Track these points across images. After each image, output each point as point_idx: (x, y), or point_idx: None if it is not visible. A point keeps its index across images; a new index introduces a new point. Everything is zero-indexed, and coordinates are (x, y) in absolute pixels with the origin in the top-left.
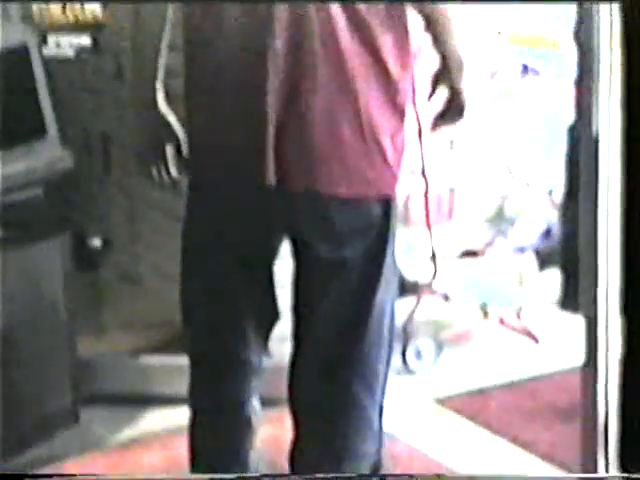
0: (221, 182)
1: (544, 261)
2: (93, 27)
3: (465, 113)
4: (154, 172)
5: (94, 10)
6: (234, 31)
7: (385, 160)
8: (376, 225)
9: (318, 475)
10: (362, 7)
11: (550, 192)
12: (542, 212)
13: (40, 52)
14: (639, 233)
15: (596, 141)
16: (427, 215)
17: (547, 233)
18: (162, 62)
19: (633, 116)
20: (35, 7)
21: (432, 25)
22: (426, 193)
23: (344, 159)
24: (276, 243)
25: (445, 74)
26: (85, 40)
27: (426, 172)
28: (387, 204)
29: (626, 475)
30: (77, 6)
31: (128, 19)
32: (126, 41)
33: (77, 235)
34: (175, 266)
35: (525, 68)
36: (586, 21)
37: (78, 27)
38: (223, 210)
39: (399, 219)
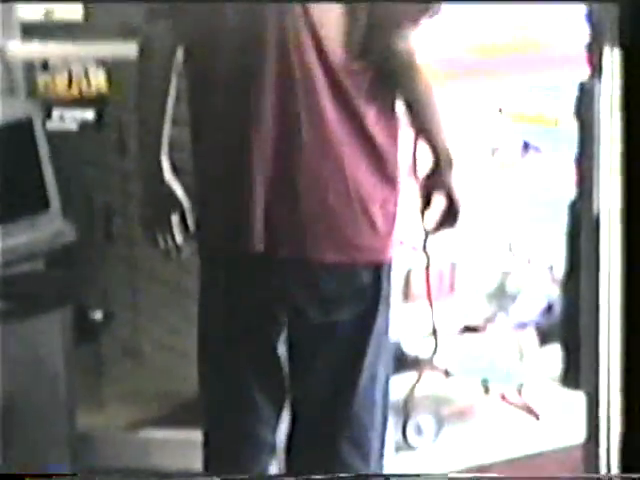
0: (217, 251)
1: (545, 337)
2: (97, 101)
3: (460, 218)
4: (160, 240)
5: (99, 84)
6: (225, 94)
7: (374, 227)
8: (366, 291)
9: (317, 476)
10: (345, 76)
11: (551, 268)
12: (543, 288)
13: (44, 126)
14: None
15: (597, 219)
16: (428, 290)
17: (548, 309)
18: (167, 133)
19: (633, 190)
20: (41, 81)
21: (417, 116)
22: (427, 268)
23: (332, 226)
24: (277, 311)
25: (435, 174)
26: (89, 114)
27: (427, 247)
28: (378, 270)
29: (626, 475)
30: (82, 80)
31: (132, 93)
32: (130, 115)
33: (78, 308)
34: (176, 339)
35: (526, 145)
36: (586, 98)
37: (82, 101)
38: (224, 280)
39: (400, 293)
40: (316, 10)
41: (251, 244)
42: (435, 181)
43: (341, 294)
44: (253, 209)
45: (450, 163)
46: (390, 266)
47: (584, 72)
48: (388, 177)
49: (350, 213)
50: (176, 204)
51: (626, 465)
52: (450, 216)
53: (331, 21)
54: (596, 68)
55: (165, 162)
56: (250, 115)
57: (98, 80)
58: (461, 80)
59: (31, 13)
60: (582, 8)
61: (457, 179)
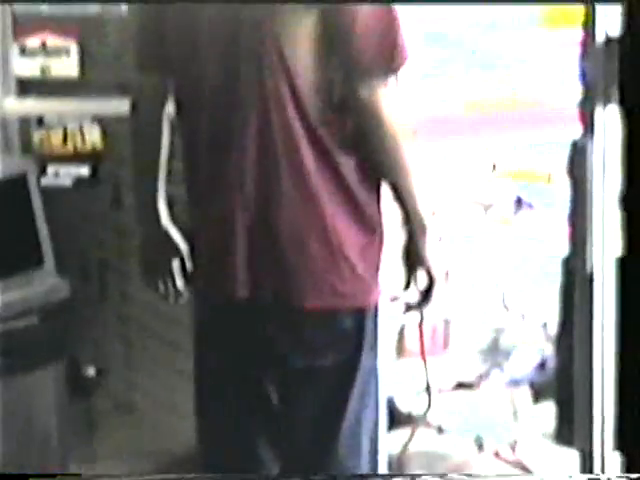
0: (204, 297)
1: (538, 394)
2: (92, 157)
3: (437, 297)
4: (160, 285)
5: (94, 140)
6: (209, 149)
7: (355, 273)
8: (349, 336)
9: (317, 477)
10: (322, 126)
11: (545, 325)
12: (537, 345)
13: (39, 182)
14: (633, 367)
15: (590, 276)
16: (422, 346)
17: (542, 366)
18: (162, 180)
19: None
20: (36, 137)
21: (384, 172)
22: (420, 324)
23: (313, 272)
24: (263, 358)
25: (411, 244)
26: (84, 170)
27: (420, 305)
28: (361, 315)
29: (626, 475)
30: (77, 136)
31: (127, 148)
32: (124, 170)
33: (71, 363)
34: (170, 395)
35: (519, 201)
36: (579, 156)
37: (77, 157)
38: (212, 327)
39: (393, 349)
40: (292, 59)
41: (235, 291)
42: (412, 254)
43: (324, 340)
44: (236, 256)
45: (424, 229)
46: (375, 312)
47: (577, 130)
48: (367, 224)
49: (330, 260)
50: (175, 250)
51: None
52: (429, 295)
53: (307, 70)
54: (588, 126)
55: (162, 209)
56: (233, 167)
57: (93, 136)
58: (455, 137)
59: (27, 70)
60: (575, 66)
61: (434, 249)
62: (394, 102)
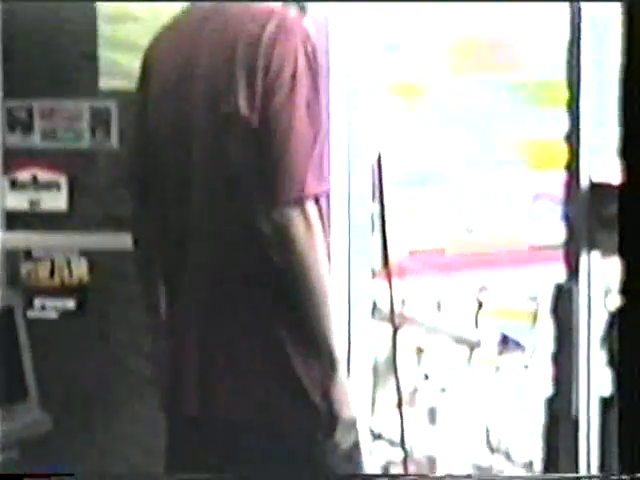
0: (164, 410)
1: None
2: (79, 291)
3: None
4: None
5: (81, 274)
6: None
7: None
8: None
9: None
10: None
11: (530, 463)
12: None
13: (25, 315)
14: None
15: (575, 418)
16: None
17: None
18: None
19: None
20: (24, 270)
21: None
22: (404, 461)
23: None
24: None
25: (324, 379)
26: (70, 303)
27: (405, 443)
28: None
29: (628, 475)
30: (65, 270)
31: (114, 282)
32: (111, 304)
33: None
34: None
35: (505, 340)
36: (563, 299)
37: (64, 290)
38: (170, 441)
39: None
40: None
41: (186, 406)
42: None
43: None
44: (187, 373)
45: (333, 366)
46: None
47: (562, 271)
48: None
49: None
50: None
51: None
52: (332, 433)
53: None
54: (573, 270)
55: None
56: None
57: (80, 270)
58: (441, 274)
59: (16, 203)
60: (558, 208)
61: (344, 386)
62: (310, 230)
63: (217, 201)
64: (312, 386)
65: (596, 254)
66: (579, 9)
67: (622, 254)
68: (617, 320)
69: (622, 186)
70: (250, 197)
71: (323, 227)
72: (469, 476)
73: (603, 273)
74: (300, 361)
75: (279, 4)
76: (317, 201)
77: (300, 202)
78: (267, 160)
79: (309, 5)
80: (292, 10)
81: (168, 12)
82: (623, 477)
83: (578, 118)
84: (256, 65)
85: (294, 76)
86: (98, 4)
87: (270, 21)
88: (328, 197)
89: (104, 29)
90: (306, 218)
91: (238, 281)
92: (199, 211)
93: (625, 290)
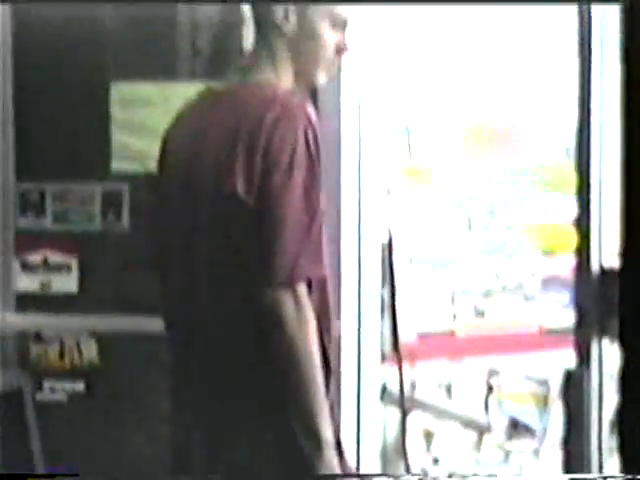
0: None
1: None
2: (88, 373)
3: None
4: None
5: (90, 356)
6: None
7: None
8: None
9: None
10: None
11: None
12: None
13: (34, 397)
14: None
15: None
16: None
17: None
18: None
19: None
20: (33, 352)
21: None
22: None
23: None
24: None
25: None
26: (79, 386)
27: None
28: None
29: (626, 475)
30: (74, 352)
31: (123, 364)
32: (120, 386)
33: None
34: None
35: (515, 424)
36: (573, 385)
37: (73, 372)
38: None
39: None
40: None
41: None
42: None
43: None
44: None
45: (320, 446)
46: None
47: (572, 358)
48: None
49: None
50: None
51: None
52: None
53: None
54: (584, 356)
55: None
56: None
57: (90, 352)
58: (451, 357)
59: (28, 285)
60: (568, 292)
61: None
62: (300, 312)
63: (217, 278)
64: (300, 465)
65: (607, 340)
66: (589, 95)
67: (622, 340)
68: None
69: (622, 271)
70: (246, 275)
71: (323, 310)
72: (468, 476)
73: (614, 359)
74: (289, 440)
75: (284, 89)
76: (310, 285)
77: (291, 284)
78: (262, 241)
79: (320, 92)
80: (297, 95)
81: (180, 96)
82: None
83: (588, 203)
84: (256, 147)
85: (292, 160)
86: (112, 88)
87: (274, 104)
88: (325, 281)
89: (117, 112)
90: (297, 301)
91: (236, 359)
92: (201, 288)
93: (624, 376)
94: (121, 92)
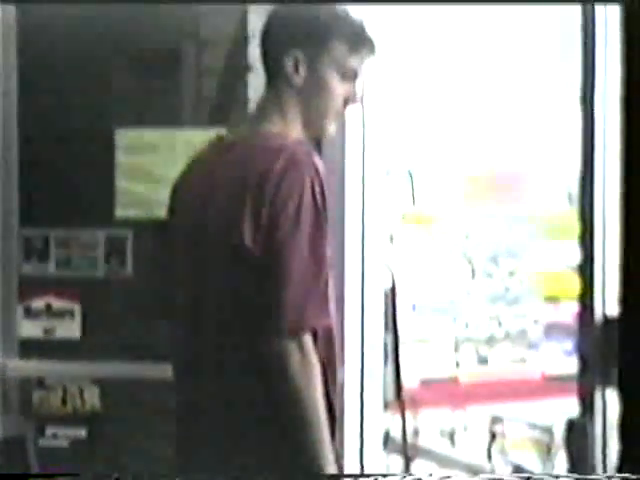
0: None
1: None
2: (90, 419)
3: None
4: None
5: (93, 402)
6: None
7: None
8: None
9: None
10: None
11: None
12: None
13: (36, 443)
14: None
15: None
16: None
17: None
18: None
19: None
20: (36, 397)
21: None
22: None
23: None
24: None
25: None
26: (81, 432)
27: None
28: None
29: (626, 475)
30: (77, 398)
31: (125, 410)
32: (122, 432)
33: None
34: None
35: (518, 471)
36: (576, 434)
37: (76, 418)
38: None
39: None
40: None
41: None
42: None
43: None
44: None
45: None
46: None
47: (576, 406)
48: None
49: None
50: None
51: None
52: None
53: None
54: (587, 404)
55: None
56: None
57: (92, 398)
58: (455, 404)
59: (31, 331)
60: (572, 339)
61: None
62: (305, 362)
63: (223, 326)
64: None
65: (610, 388)
66: (592, 143)
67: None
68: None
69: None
70: (252, 324)
71: (328, 359)
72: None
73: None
74: None
75: (292, 139)
76: (316, 334)
77: (297, 334)
78: (269, 290)
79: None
80: (304, 146)
81: (184, 142)
82: None
83: (591, 250)
84: (263, 198)
85: (299, 211)
86: (116, 135)
87: (281, 155)
88: (330, 330)
89: (121, 158)
90: (303, 351)
91: (241, 406)
92: (208, 335)
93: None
94: (125, 138)
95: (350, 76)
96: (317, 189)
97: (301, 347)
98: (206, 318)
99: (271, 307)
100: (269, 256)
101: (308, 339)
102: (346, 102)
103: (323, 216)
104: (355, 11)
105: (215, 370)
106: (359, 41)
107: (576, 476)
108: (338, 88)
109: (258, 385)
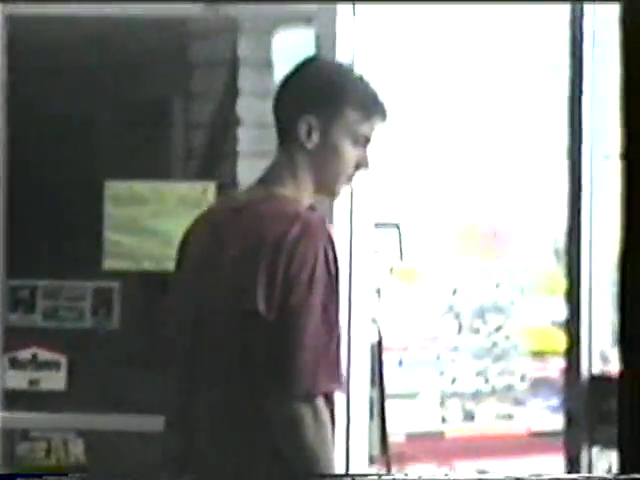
0: None
1: None
2: (75, 471)
3: None
4: None
5: (77, 454)
6: None
7: None
8: None
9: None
10: None
11: None
12: None
13: None
14: None
15: None
16: None
17: None
18: None
19: None
20: (20, 450)
21: None
22: None
23: None
24: None
25: None
26: None
27: None
28: None
29: (625, 475)
30: (61, 450)
31: (110, 463)
32: None
33: None
34: None
35: None
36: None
37: (60, 471)
38: None
39: None
40: None
41: None
42: None
43: None
44: None
45: None
46: None
47: (561, 463)
48: None
49: None
50: None
51: None
52: None
53: None
54: (573, 461)
55: None
56: None
57: (77, 450)
58: (440, 459)
59: (16, 382)
60: (558, 395)
61: None
62: (318, 425)
63: (231, 389)
64: None
65: (596, 445)
66: (579, 198)
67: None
68: None
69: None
70: (263, 388)
71: (332, 421)
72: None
73: (603, 465)
74: None
75: (305, 206)
76: (327, 397)
77: (311, 399)
78: (281, 355)
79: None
80: (317, 213)
81: (173, 195)
82: None
83: (577, 306)
84: (278, 264)
85: (312, 278)
86: (106, 186)
87: (295, 223)
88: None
89: (110, 210)
90: (315, 414)
91: (250, 471)
92: (215, 397)
93: None
94: (114, 190)
95: (362, 142)
96: (330, 256)
97: (315, 411)
98: (213, 379)
99: (284, 372)
100: (282, 322)
101: (321, 401)
102: (357, 167)
103: (335, 282)
104: (367, 76)
105: (211, 429)
106: (372, 108)
107: (576, 476)
108: (350, 153)
109: (267, 447)
